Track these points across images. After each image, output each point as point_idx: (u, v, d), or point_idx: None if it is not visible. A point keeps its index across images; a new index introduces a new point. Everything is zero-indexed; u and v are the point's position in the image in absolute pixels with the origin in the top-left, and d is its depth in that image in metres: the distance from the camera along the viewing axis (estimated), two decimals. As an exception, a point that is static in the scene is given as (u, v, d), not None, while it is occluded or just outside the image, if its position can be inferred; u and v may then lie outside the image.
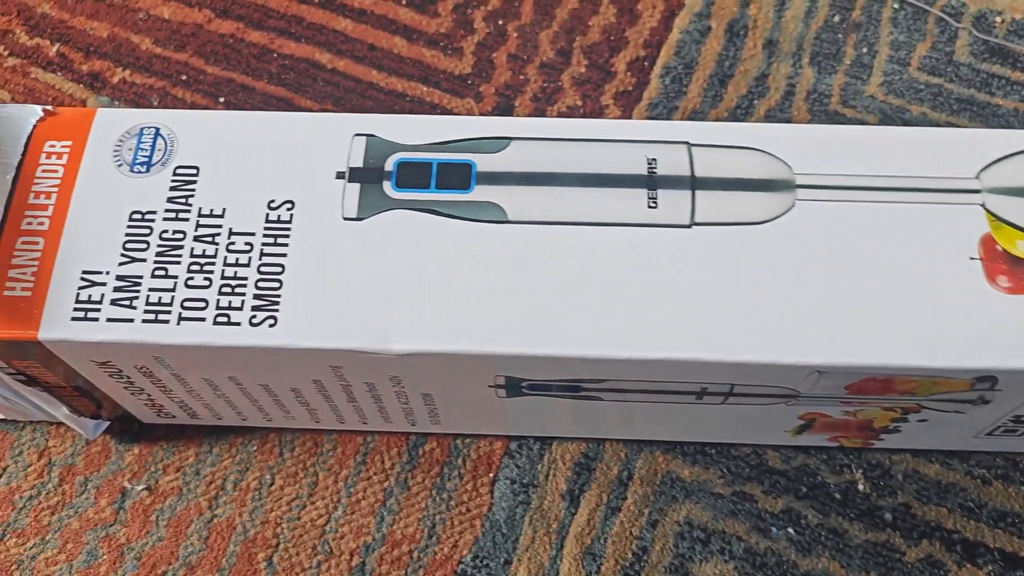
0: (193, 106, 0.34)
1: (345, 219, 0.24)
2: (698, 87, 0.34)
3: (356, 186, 0.24)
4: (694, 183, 0.24)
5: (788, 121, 0.33)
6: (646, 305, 0.23)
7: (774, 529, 0.28)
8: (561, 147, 0.25)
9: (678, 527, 0.28)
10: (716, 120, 0.33)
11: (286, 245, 0.24)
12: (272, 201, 0.24)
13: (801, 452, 0.29)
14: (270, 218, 0.24)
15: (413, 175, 0.24)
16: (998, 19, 0.35)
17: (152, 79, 0.34)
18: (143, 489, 0.29)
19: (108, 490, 0.28)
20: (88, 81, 0.34)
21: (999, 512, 0.28)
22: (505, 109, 0.33)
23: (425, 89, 0.34)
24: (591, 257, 0.23)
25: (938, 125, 0.33)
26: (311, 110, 0.34)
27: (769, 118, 0.33)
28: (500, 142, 0.25)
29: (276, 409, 0.27)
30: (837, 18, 0.35)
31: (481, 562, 0.27)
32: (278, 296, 0.23)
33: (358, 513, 0.28)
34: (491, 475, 0.29)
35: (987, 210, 0.24)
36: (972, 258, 0.23)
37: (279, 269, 0.23)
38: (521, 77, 0.34)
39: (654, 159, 0.24)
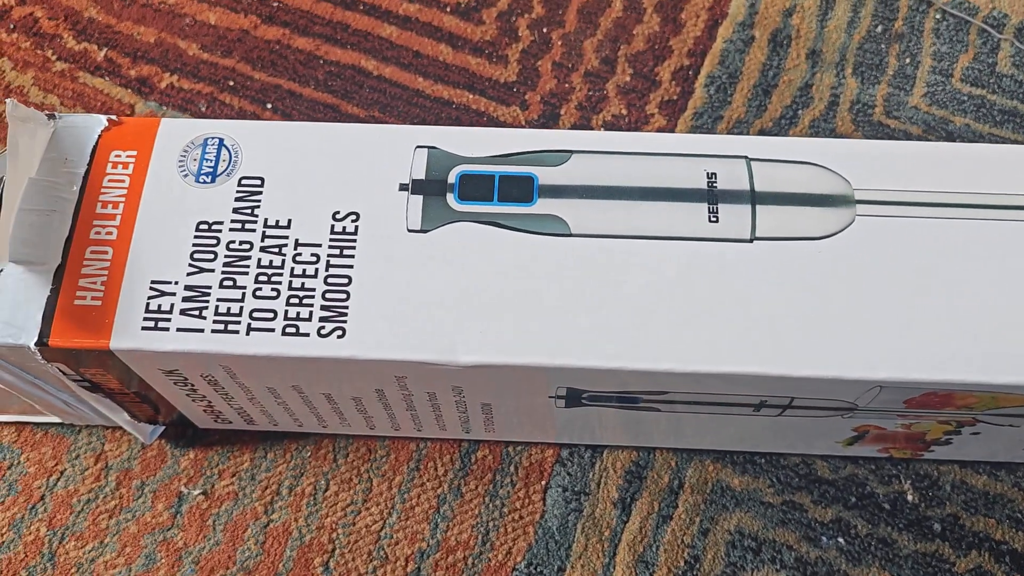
0: (241, 112, 0.34)
1: (409, 231, 0.24)
2: (742, 97, 0.34)
3: (419, 198, 0.24)
4: (754, 197, 0.24)
5: (833, 131, 0.33)
6: (708, 319, 0.23)
7: (824, 538, 0.28)
8: (621, 160, 0.25)
9: (729, 536, 0.28)
10: (761, 131, 0.33)
11: (352, 256, 0.24)
12: (337, 212, 0.24)
13: (850, 462, 0.29)
14: (335, 229, 0.24)
15: (476, 187, 0.25)
16: (1041, 30, 0.35)
17: (200, 84, 0.34)
18: (199, 494, 0.29)
19: (165, 494, 0.29)
20: (136, 86, 0.34)
21: (1046, 522, 0.28)
22: (551, 117, 0.34)
23: (471, 96, 0.34)
24: (653, 270, 0.24)
25: (981, 136, 0.33)
26: (358, 116, 0.34)
27: (813, 128, 0.33)
28: (561, 155, 0.25)
29: (333, 416, 0.27)
30: (880, 28, 0.35)
31: (535, 569, 0.28)
32: (346, 307, 0.23)
33: (412, 519, 0.29)
34: (543, 482, 0.29)
35: (1046, 226, 0.24)
36: (1033, 275, 0.23)
37: (346, 280, 0.24)
38: (566, 85, 0.34)
39: (714, 173, 0.25)
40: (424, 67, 0.35)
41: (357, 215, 0.24)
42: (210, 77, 0.35)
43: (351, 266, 0.24)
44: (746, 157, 0.25)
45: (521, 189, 0.25)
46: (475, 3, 0.36)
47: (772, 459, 0.29)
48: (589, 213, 0.24)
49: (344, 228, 0.24)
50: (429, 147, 0.25)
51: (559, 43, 0.35)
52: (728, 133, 0.33)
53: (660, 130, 0.33)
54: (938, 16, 0.35)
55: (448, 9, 0.36)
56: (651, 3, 0.36)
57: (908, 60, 0.34)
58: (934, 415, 0.25)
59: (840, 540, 0.28)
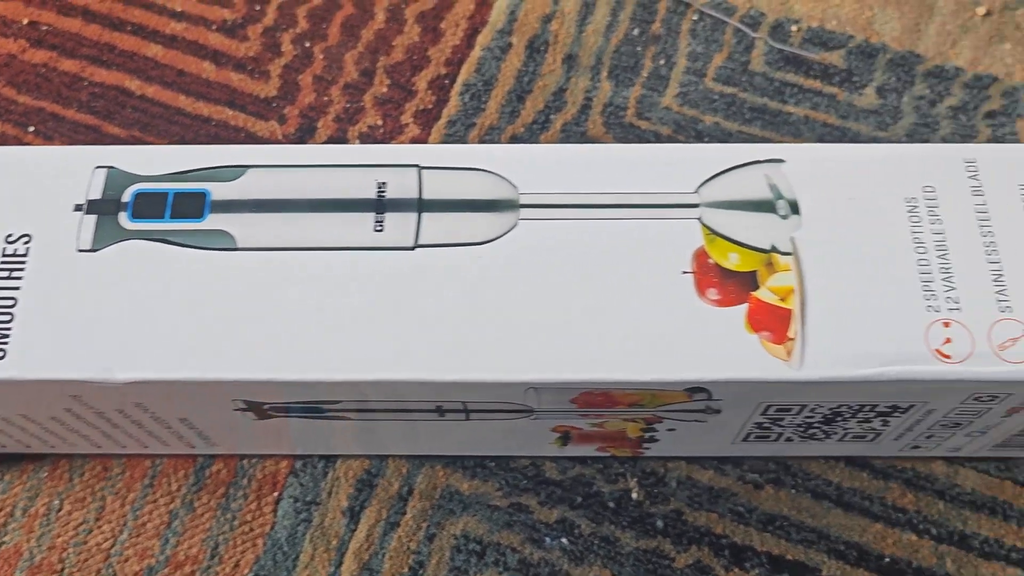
0: (2, 136, 0.34)
1: (80, 251, 0.24)
2: (496, 103, 0.34)
3: (93, 218, 0.25)
4: (421, 205, 0.25)
5: (584, 134, 0.33)
6: (367, 328, 0.23)
7: (548, 539, 0.28)
8: (295, 174, 0.25)
9: (455, 540, 0.28)
10: (513, 136, 0.33)
11: (20, 279, 0.24)
12: (10, 235, 0.24)
13: (579, 463, 0.29)
14: (6, 252, 0.24)
15: (149, 205, 0.25)
16: (794, 28, 0.35)
17: (-37, 111, 0.35)
18: (-69, 519, 0.29)
19: None
20: (-100, 115, 0.35)
21: (768, 516, 0.28)
22: (308, 130, 0.34)
23: (231, 113, 0.34)
24: (317, 282, 0.24)
25: (730, 134, 0.33)
26: (119, 137, 0.34)
27: (565, 132, 0.33)
28: (237, 170, 0.25)
29: (50, 436, 0.28)
30: (637, 31, 0.35)
31: (260, 581, 0.28)
32: (8, 329, 0.23)
33: (143, 536, 0.29)
34: (275, 494, 0.29)
35: (703, 224, 0.24)
36: (685, 272, 0.24)
37: (11, 302, 0.24)
38: (325, 98, 0.34)
39: (384, 183, 0.25)
40: (187, 85, 0.35)
41: (30, 237, 0.24)
42: (-26, 103, 0.35)
43: (17, 288, 0.24)
44: (418, 166, 0.25)
45: (193, 205, 0.25)
46: (241, 20, 0.36)
47: (502, 463, 0.29)
48: (257, 227, 0.24)
49: (15, 251, 0.24)
50: (108, 167, 0.25)
51: (321, 57, 0.35)
52: (480, 140, 0.33)
53: (414, 139, 0.34)
54: (695, 17, 0.36)
55: (214, 27, 0.36)
56: (412, 14, 0.36)
57: (663, 62, 0.35)
58: (614, 414, 0.25)
59: (564, 540, 0.28)
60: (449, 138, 0.34)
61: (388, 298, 0.24)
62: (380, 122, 0.34)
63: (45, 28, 0.36)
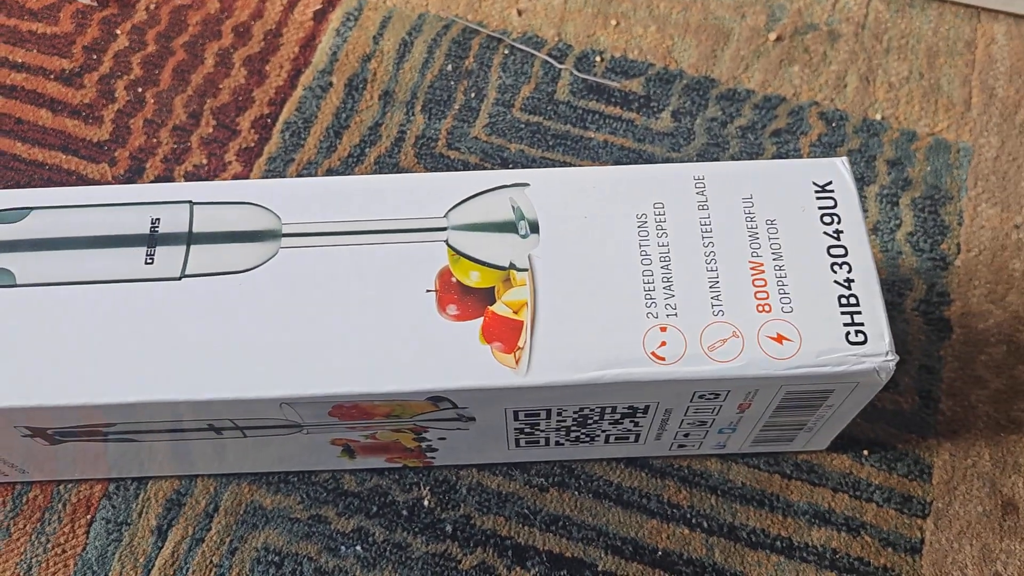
0: None
1: None
2: (315, 139, 0.36)
3: None
4: (190, 238, 0.26)
5: (396, 165, 0.35)
6: (138, 353, 0.25)
7: (343, 548, 0.30)
8: (76, 213, 0.27)
9: (256, 552, 0.30)
10: (329, 170, 0.35)
11: None
12: None
13: (376, 474, 0.31)
14: None
15: (-65, 248, 0.27)
16: (599, 58, 0.38)
17: None
18: None
19: None
20: None
21: (551, 516, 0.30)
22: (137, 171, 0.36)
23: (64, 157, 0.36)
24: (90, 312, 0.26)
25: (534, 160, 0.36)
26: (-44, 184, 0.36)
27: (378, 164, 0.35)
28: (21, 212, 0.27)
29: None
30: (451, 67, 0.38)
31: (71, 599, 0.29)
32: None
33: (-38, 562, 0.30)
34: (88, 516, 0.31)
35: (449, 245, 0.26)
36: (429, 290, 0.26)
37: None
38: (154, 140, 0.36)
39: (158, 219, 0.27)
40: (24, 132, 0.37)
41: None
42: None
43: None
44: (190, 201, 0.27)
45: (-23, 246, 0.27)
46: (79, 69, 0.38)
47: (305, 476, 0.31)
48: (35, 264, 0.26)
49: None
50: (-99, 212, 0.27)
51: (152, 101, 0.37)
52: (298, 174, 0.35)
53: (236, 176, 0.36)
54: (507, 52, 0.38)
55: (52, 76, 0.38)
56: (240, 58, 0.38)
57: (474, 95, 0.37)
58: (375, 424, 0.27)
59: (358, 548, 0.30)
60: (269, 174, 0.35)
61: (154, 325, 0.25)
62: (205, 161, 0.36)
63: None
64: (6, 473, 0.30)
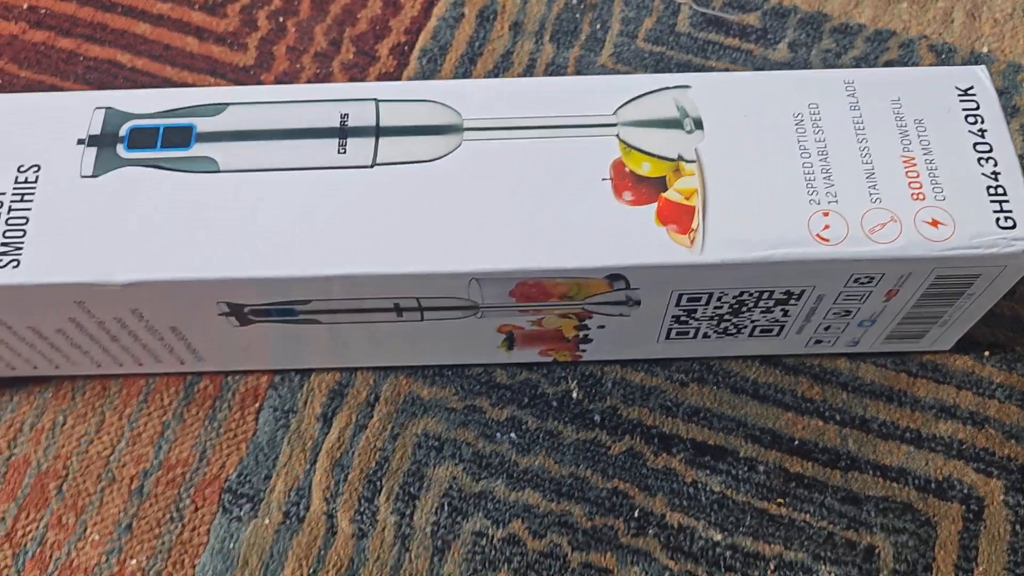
0: (6, 106, 0.38)
1: (83, 177, 0.28)
2: (450, 66, 0.38)
3: (93, 150, 0.28)
4: (378, 131, 0.28)
5: (529, 90, 0.37)
6: (336, 232, 0.27)
7: (498, 435, 0.32)
8: (269, 108, 0.29)
9: (416, 438, 0.32)
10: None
11: (31, 201, 0.28)
12: (21, 166, 0.28)
13: (525, 369, 0.33)
14: (19, 180, 0.28)
15: (142, 138, 0.29)
16: (716, -6, 0.40)
17: (-30, 85, 0.38)
18: (-51, 435, 0.32)
19: (-82, 438, 0.32)
20: (-88, 89, 0.38)
21: (692, 408, 0.32)
22: (282, 94, 0.38)
23: (213, 80, 0.38)
24: (291, 196, 0.28)
25: (659, 87, 0.37)
26: (112, 104, 0.38)
27: (512, 89, 0.37)
28: (219, 107, 0.29)
29: (55, 353, 0.31)
30: (576, 0, 0.40)
31: (245, 479, 0.31)
32: (22, 243, 0.27)
33: (139, 444, 0.32)
34: (256, 405, 0.33)
35: (621, 140, 0.28)
36: (604, 179, 0.28)
37: (24, 220, 0.27)
38: (298, 66, 0.38)
39: (346, 114, 0.29)
40: (173, 57, 0.39)
41: (39, 167, 0.28)
42: (-20, 77, 0.39)
43: (29, 209, 0.28)
44: (375, 99, 0.29)
45: (181, 137, 0.29)
46: (221, 0, 0.40)
47: (458, 371, 0.33)
48: (238, 153, 0.28)
49: (27, 179, 0.28)
50: (107, 108, 0.29)
51: (293, 29, 0.39)
52: (436, 97, 0.37)
53: (377, 98, 0.38)
54: (628, -13, 0.40)
55: (196, 6, 0.40)
56: (375, -10, 0.40)
57: (599, 26, 0.39)
58: (547, 308, 0.29)
59: (512, 435, 0.32)
60: (408, 96, 0.37)
61: (350, 207, 0.27)
62: (347, 84, 0.38)
63: (43, 11, 0.40)
64: (183, 361, 0.32)
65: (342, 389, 0.33)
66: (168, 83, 0.38)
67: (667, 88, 0.29)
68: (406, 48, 0.39)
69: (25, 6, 0.40)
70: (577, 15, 0.39)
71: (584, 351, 0.32)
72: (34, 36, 0.40)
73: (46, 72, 0.39)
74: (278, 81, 0.38)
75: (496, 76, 0.38)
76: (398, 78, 0.38)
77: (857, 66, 0.38)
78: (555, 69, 0.38)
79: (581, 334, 0.31)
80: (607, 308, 0.29)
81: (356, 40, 0.39)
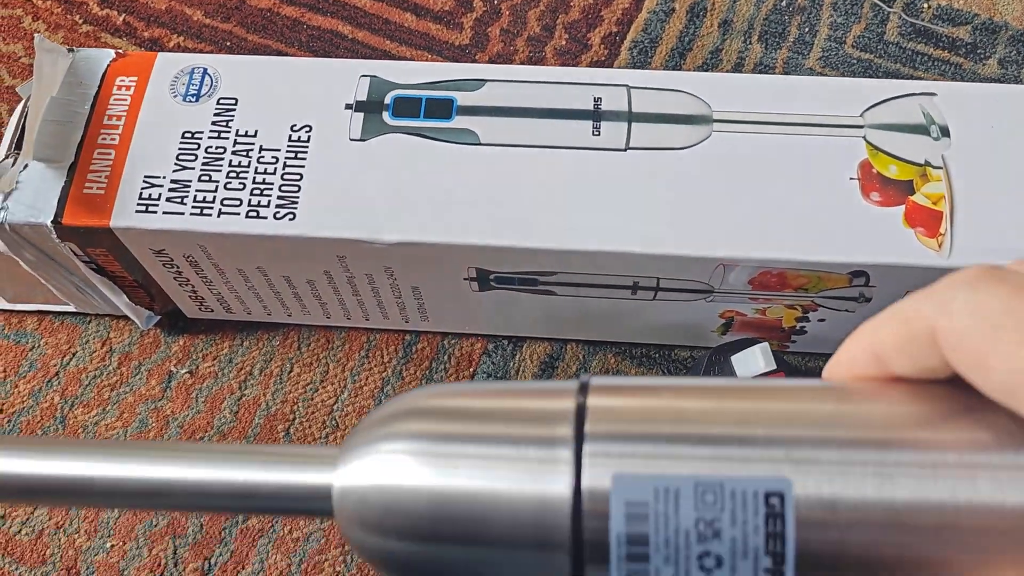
0: (235, 68, 0.40)
1: (351, 140, 0.30)
2: (660, 59, 0.39)
3: (361, 115, 0.30)
4: (631, 117, 0.30)
5: (737, 87, 0.38)
6: (588, 209, 0.29)
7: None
8: (526, 87, 0.31)
9: (624, 413, 0.33)
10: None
11: (304, 159, 0.30)
12: (294, 125, 0.30)
13: (731, 356, 0.34)
14: (292, 138, 0.30)
15: (406, 107, 0.30)
16: (925, 5, 0.40)
17: (202, 44, 0.41)
18: (186, 372, 0.35)
19: (158, 373, 0.35)
20: (148, 45, 0.41)
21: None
22: (497, 74, 0.39)
23: (429, 56, 0.40)
24: (546, 172, 0.29)
25: (866, 92, 0.38)
26: (334, 73, 0.40)
27: (721, 84, 0.39)
28: (478, 83, 0.31)
29: (295, 303, 0.33)
30: (784, 3, 0.40)
31: (459, 437, 0.33)
32: (297, 197, 0.29)
33: (360, 397, 0.34)
34: (471, 370, 0.34)
35: (867, 142, 0.29)
36: (851, 178, 0.29)
37: (298, 176, 0.29)
38: (511, 48, 0.40)
39: (599, 98, 0.30)
40: (391, 32, 0.41)
41: (311, 127, 0.30)
42: (211, 39, 0.41)
43: (303, 166, 0.30)
44: (627, 85, 0.30)
45: (443, 108, 0.30)
46: (438, -20, 0.42)
47: (665, 352, 0.34)
48: (496, 127, 0.30)
49: (300, 137, 0.30)
50: (371, 76, 0.31)
51: (507, 13, 0.41)
52: (646, 88, 0.39)
53: (589, 85, 0.39)
54: (836, -8, 0.41)
55: (415, -15, 0.42)
56: (588, -20, 0.41)
57: (807, 29, 0.40)
58: (779, 298, 0.30)
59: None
60: (619, 85, 0.39)
61: (603, 188, 0.29)
62: (559, 69, 0.39)
63: (269, -20, 0.42)
64: (408, 319, 0.34)
65: (553, 361, 0.34)
66: (387, 55, 0.40)
67: (913, 94, 0.30)
68: (617, 39, 0.40)
69: (252, -26, 0.43)
70: (786, 17, 0.40)
71: (794, 342, 0.33)
72: (260, 2, 0.42)
73: (271, 37, 0.41)
74: (490, 61, 0.40)
75: (706, 72, 0.39)
76: (610, 67, 0.39)
77: (1067, 85, 0.38)
78: (763, 69, 0.39)
79: (799, 325, 0.32)
80: (837, 302, 0.30)
81: (569, 27, 0.40)
